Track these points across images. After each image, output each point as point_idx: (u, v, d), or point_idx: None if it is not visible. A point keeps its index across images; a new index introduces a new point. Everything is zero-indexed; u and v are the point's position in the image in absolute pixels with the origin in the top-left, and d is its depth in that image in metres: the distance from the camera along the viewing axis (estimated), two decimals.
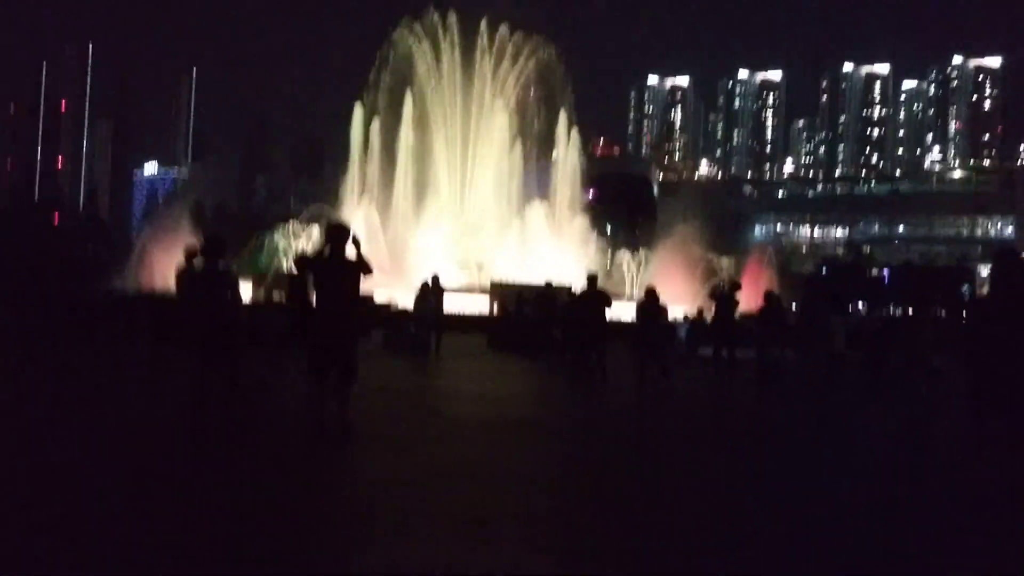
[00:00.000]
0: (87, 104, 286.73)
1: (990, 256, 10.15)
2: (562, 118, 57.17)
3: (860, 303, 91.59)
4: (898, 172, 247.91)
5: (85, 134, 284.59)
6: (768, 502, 7.77)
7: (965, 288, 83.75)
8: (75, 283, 17.25)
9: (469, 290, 41.78)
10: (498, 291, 37.11)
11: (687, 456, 10.12)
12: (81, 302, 16.34)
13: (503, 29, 57.07)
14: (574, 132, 57.82)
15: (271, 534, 6.16)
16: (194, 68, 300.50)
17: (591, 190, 77.70)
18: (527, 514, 6.92)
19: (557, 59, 57.45)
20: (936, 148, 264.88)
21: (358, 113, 55.82)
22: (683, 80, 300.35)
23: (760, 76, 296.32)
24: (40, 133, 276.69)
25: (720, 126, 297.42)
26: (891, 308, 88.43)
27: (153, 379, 15.15)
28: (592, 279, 19.96)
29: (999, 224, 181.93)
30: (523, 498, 7.49)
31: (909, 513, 7.56)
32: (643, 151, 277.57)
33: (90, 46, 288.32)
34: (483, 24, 56.84)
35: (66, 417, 10.86)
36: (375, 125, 55.20)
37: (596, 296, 19.12)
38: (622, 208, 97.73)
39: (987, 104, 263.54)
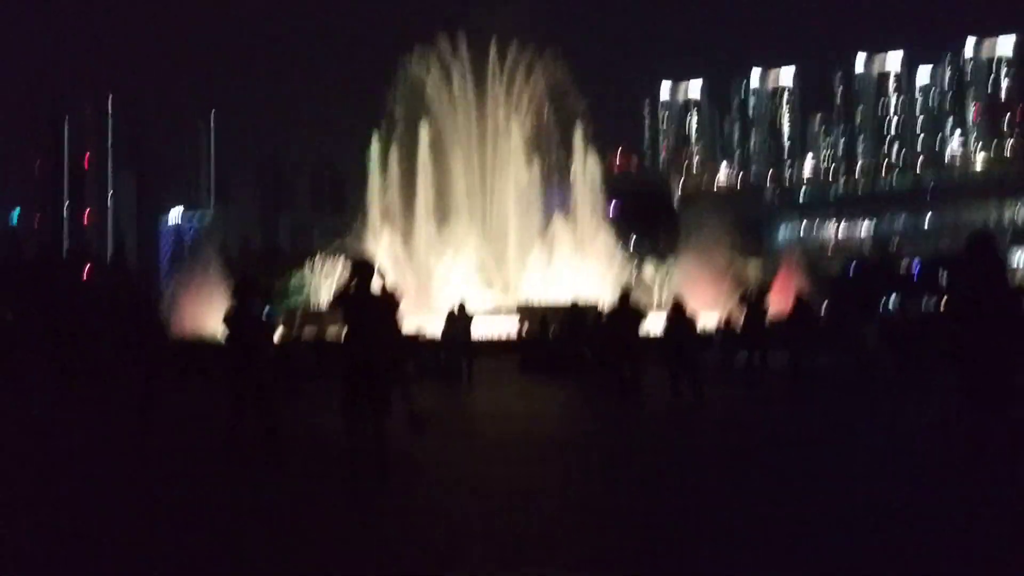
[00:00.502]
0: (109, 156, 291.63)
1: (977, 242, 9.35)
2: (578, 133, 57.06)
3: (892, 299, 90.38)
4: (919, 162, 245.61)
5: (110, 186, 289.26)
6: (792, 514, 7.72)
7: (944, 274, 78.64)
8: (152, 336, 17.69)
9: (496, 313, 41.80)
10: (524, 313, 37.12)
11: (720, 470, 10.06)
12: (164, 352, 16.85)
13: (514, 47, 57.23)
14: (591, 147, 57.77)
15: (312, 559, 6.22)
16: (212, 112, 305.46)
17: (611, 204, 77.57)
18: (564, 533, 6.94)
19: (569, 74, 57.50)
20: (956, 135, 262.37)
21: (375, 143, 56.16)
22: (696, 86, 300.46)
23: (773, 76, 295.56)
24: (66, 188, 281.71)
25: (736, 130, 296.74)
26: (924, 302, 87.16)
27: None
28: (625, 294, 19.84)
29: None
30: (558, 517, 7.51)
31: (914, 516, 7.52)
32: (660, 161, 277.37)
33: (109, 99, 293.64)
34: (493, 44, 57.13)
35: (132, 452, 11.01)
36: (393, 154, 55.44)
37: (629, 311, 19.01)
38: (644, 220, 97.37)
39: (1004, 86, 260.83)
